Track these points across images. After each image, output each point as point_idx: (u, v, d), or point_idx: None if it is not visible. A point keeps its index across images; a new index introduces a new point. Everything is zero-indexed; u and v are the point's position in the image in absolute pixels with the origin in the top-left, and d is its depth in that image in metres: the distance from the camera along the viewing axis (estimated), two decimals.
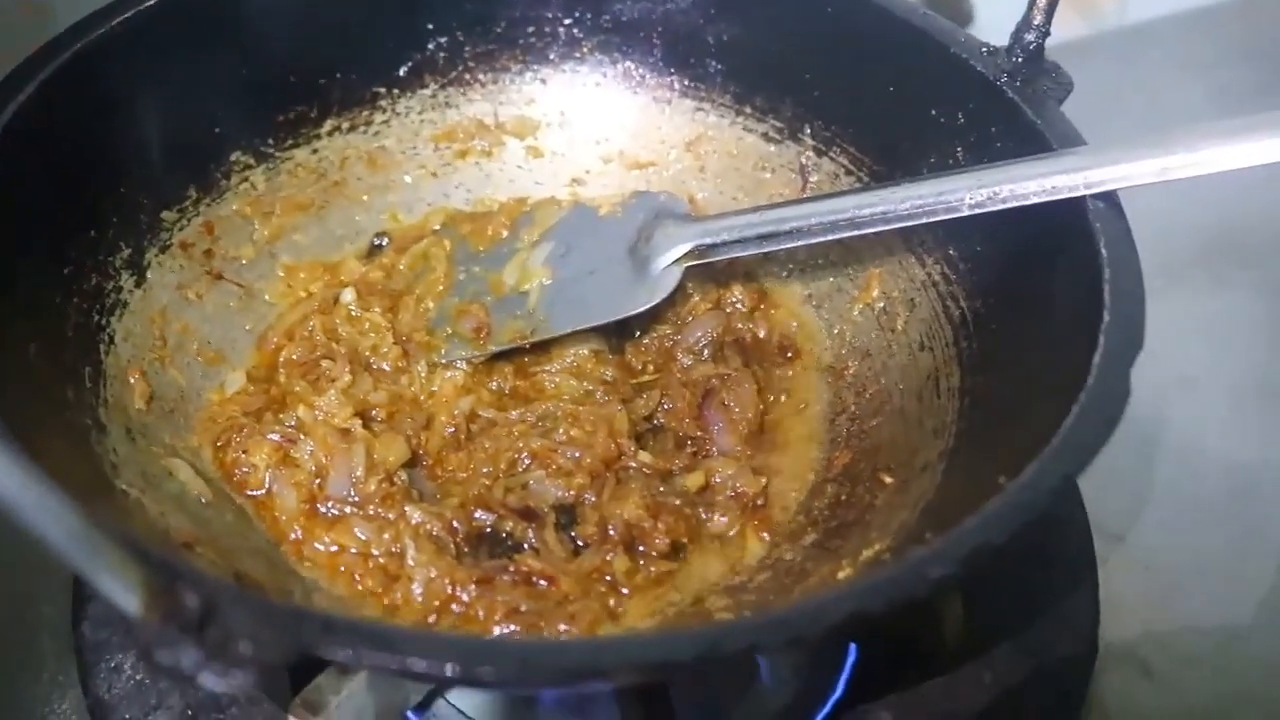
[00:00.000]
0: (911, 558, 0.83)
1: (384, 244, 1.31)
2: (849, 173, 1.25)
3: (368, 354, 1.19)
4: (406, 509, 1.05)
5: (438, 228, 1.32)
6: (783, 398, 1.19)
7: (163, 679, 1.06)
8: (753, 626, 0.80)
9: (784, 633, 0.75)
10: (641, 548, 1.05)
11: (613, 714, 1.05)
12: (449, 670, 0.73)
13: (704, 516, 1.08)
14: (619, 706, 1.04)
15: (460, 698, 1.11)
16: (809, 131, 1.28)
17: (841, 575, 0.96)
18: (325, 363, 1.16)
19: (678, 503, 1.07)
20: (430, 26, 1.31)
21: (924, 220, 1.06)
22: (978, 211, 1.03)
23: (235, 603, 0.73)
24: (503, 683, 0.80)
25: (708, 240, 1.18)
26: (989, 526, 0.80)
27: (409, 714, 1.09)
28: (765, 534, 1.08)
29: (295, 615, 0.75)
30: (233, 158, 1.25)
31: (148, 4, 1.14)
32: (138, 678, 1.07)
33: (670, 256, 1.19)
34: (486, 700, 1.12)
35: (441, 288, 1.26)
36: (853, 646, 1.14)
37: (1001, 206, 1.02)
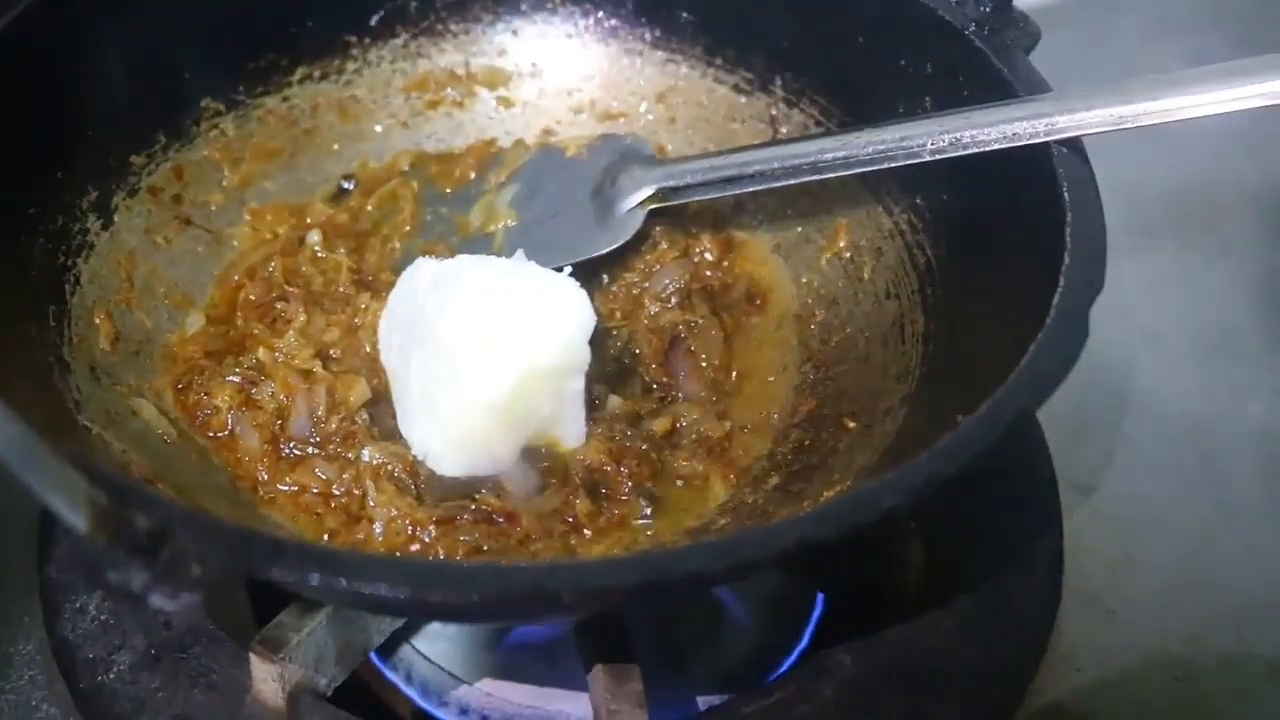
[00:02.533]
0: (863, 488, 0.84)
1: (351, 187, 1.31)
2: (818, 124, 1.25)
3: (320, 291, 1.19)
4: (365, 449, 1.05)
5: (406, 169, 1.32)
6: (749, 345, 1.19)
7: (126, 618, 1.06)
8: (701, 551, 0.80)
9: (732, 557, 0.75)
10: (605, 491, 1.05)
11: (574, 661, 1.05)
12: (398, 593, 0.73)
13: (669, 461, 1.08)
14: (580, 653, 1.04)
15: (426, 644, 1.11)
16: (779, 83, 1.28)
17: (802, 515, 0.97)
18: (280, 304, 1.16)
19: (643, 447, 1.07)
20: None
21: (886, 165, 1.07)
22: (939, 157, 1.04)
23: (186, 523, 0.73)
24: (451, 606, 0.80)
25: (671, 183, 1.18)
26: (941, 458, 0.81)
27: (374, 657, 1.09)
28: (730, 477, 1.08)
29: (245, 536, 0.75)
30: (203, 104, 1.25)
31: None
32: (102, 618, 1.07)
33: (634, 199, 1.19)
34: (452, 647, 1.12)
35: (408, 228, 1.27)
36: (820, 596, 1.15)
37: (963, 152, 1.03)
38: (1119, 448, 1.30)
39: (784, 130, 1.28)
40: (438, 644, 1.12)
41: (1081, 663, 1.12)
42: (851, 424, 1.07)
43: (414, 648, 1.12)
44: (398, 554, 0.99)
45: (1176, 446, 1.30)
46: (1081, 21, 1.87)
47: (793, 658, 1.12)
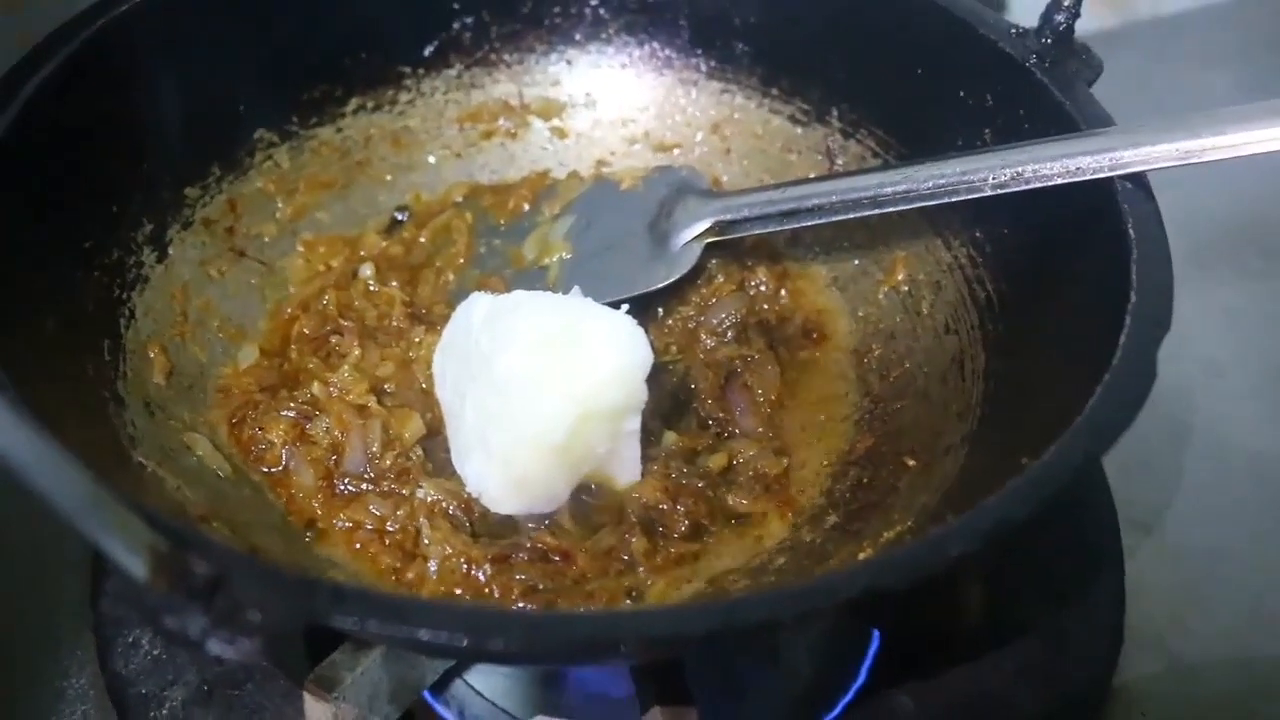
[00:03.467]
0: (931, 535, 0.82)
1: (404, 218, 1.31)
2: (876, 155, 1.24)
3: (374, 324, 1.18)
4: (420, 486, 1.04)
5: (459, 200, 1.32)
6: (806, 380, 1.18)
7: (179, 653, 1.06)
8: (766, 600, 0.79)
9: (798, 607, 0.74)
10: (661, 529, 1.04)
11: (632, 699, 1.04)
12: (457, 640, 0.72)
13: (726, 498, 1.07)
14: (637, 691, 1.03)
15: (480, 680, 1.10)
16: (836, 114, 1.27)
17: (862, 556, 0.96)
18: (334, 338, 1.16)
19: (700, 484, 1.06)
20: (456, 6, 1.31)
21: (946, 200, 1.06)
22: (1001, 192, 1.03)
23: (244, 570, 0.73)
24: (511, 654, 0.79)
25: (728, 216, 1.17)
26: (1009, 503, 0.79)
27: (426, 695, 1.09)
28: (788, 514, 1.07)
29: (305, 583, 0.74)
30: (257, 135, 1.25)
31: None
32: (155, 653, 1.08)
33: (691, 232, 1.19)
34: (506, 683, 1.11)
35: (462, 260, 1.26)
36: (875, 633, 1.14)
37: (1025, 187, 1.02)
38: (1181, 484, 1.28)
39: (841, 162, 1.27)
40: (492, 680, 1.10)
41: (1145, 707, 1.11)
42: (911, 462, 1.05)
43: (467, 684, 1.10)
44: (456, 592, 0.98)
45: (1240, 482, 1.28)
46: (1133, 48, 1.85)
47: (849, 696, 1.10)
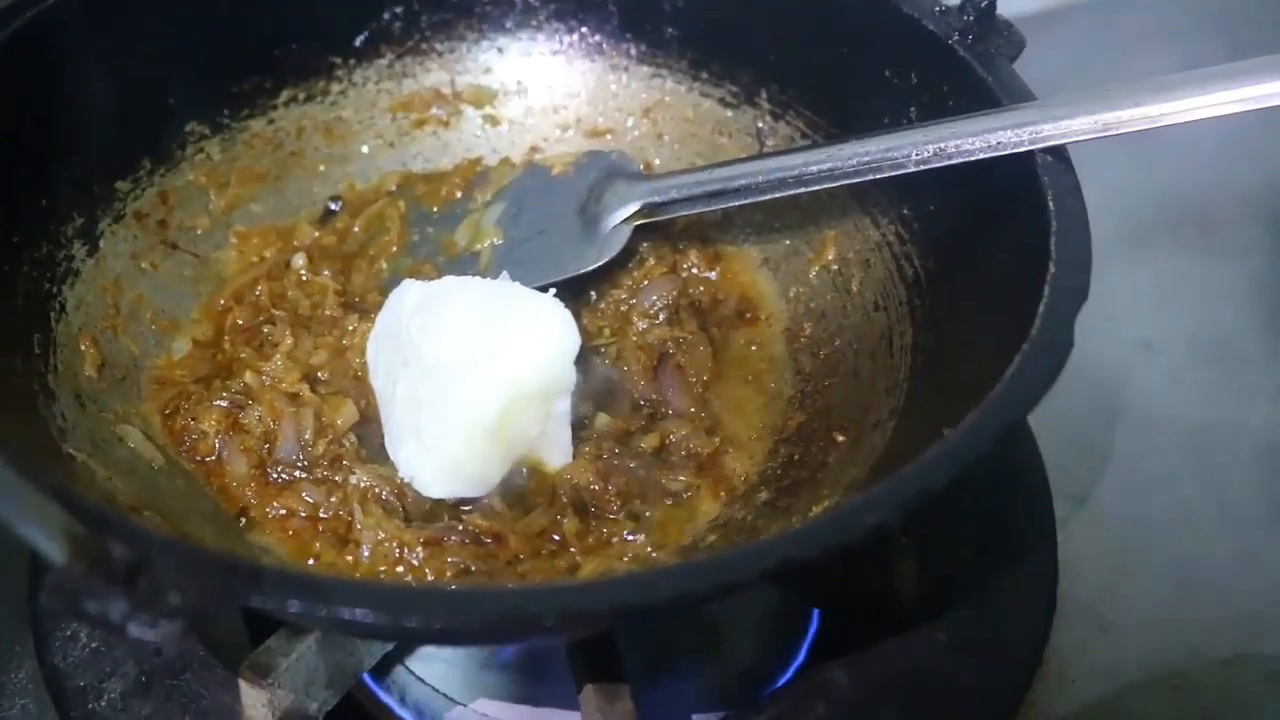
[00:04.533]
0: (848, 505, 0.83)
1: (338, 208, 1.31)
2: (804, 136, 1.25)
3: (307, 314, 1.18)
4: (353, 472, 1.04)
5: (393, 189, 1.32)
6: (738, 360, 1.19)
7: (117, 646, 1.06)
8: (682, 573, 0.79)
9: (714, 579, 0.75)
10: (594, 509, 1.04)
11: (568, 680, 1.05)
12: (378, 619, 0.73)
13: (658, 478, 1.07)
14: (571, 669, 1.03)
15: (420, 665, 1.11)
16: (765, 95, 1.27)
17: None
18: (267, 328, 1.16)
19: (632, 464, 1.06)
20: None
21: (871, 177, 1.06)
22: (924, 168, 1.03)
23: (164, 552, 0.73)
24: (433, 631, 0.80)
25: (657, 198, 1.18)
26: (926, 473, 0.80)
27: (367, 679, 1.09)
28: (720, 494, 1.07)
29: (225, 564, 0.75)
30: (188, 128, 1.24)
31: None
32: (93, 645, 1.07)
33: (619, 215, 1.19)
34: (446, 668, 1.12)
35: (395, 249, 1.26)
36: (815, 613, 1.14)
37: (948, 162, 1.02)
38: (1113, 457, 1.30)
39: (771, 143, 1.27)
40: (431, 665, 1.11)
41: (1077, 675, 1.12)
42: (840, 438, 1.06)
43: (408, 669, 1.11)
44: (382, 576, 0.99)
45: (1172, 455, 1.30)
46: (1077, 26, 1.86)
47: (788, 675, 1.11)
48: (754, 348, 1.20)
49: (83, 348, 1.09)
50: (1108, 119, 0.98)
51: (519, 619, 0.74)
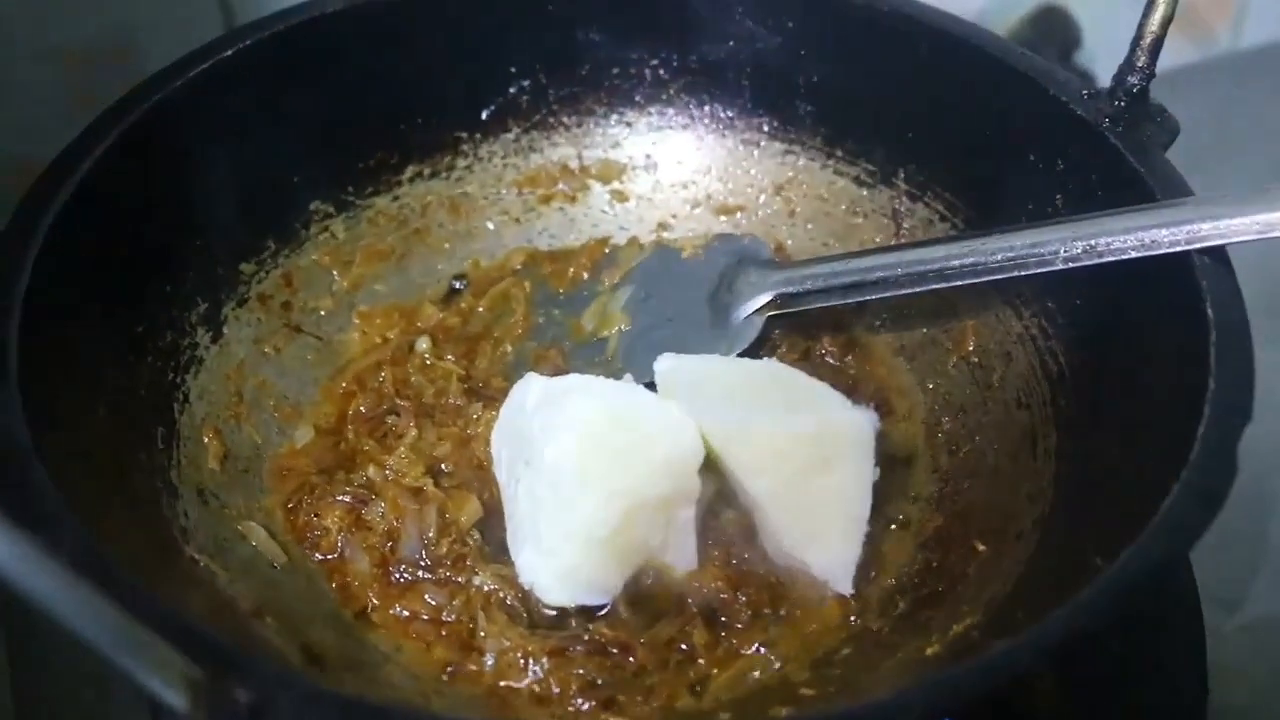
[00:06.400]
0: (999, 649, 0.79)
1: (462, 287, 1.29)
2: (943, 219, 1.21)
3: (430, 401, 1.16)
4: (476, 574, 1.02)
5: (518, 268, 1.30)
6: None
7: None
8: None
9: None
10: (724, 619, 1.01)
11: None
12: None
13: (789, 585, 1.03)
14: None
15: None
16: (902, 175, 1.24)
17: (929, 651, 0.92)
18: (390, 418, 1.14)
19: (761, 571, 1.03)
20: (513, 69, 1.29)
21: (1016, 274, 1.03)
22: (1072, 265, 0.99)
23: (285, 693, 0.71)
24: None
25: (791, 289, 1.15)
26: (1080, 614, 0.76)
27: None
28: (848, 602, 1.03)
29: (348, 706, 0.73)
30: (312, 207, 1.23)
31: (225, 55, 1.13)
32: None
33: (752, 305, 1.16)
34: None
35: (520, 331, 1.24)
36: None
37: (1097, 261, 0.98)
38: (1267, 556, 1.23)
39: (907, 225, 1.24)
40: None
41: None
42: (981, 546, 1.01)
43: None
44: (508, 687, 0.96)
45: None
46: (1213, 83, 1.81)
47: None
48: (889, 442, 1.15)
49: (206, 439, 1.07)
50: (1269, 219, 0.93)
51: None
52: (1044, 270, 1.01)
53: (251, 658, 0.75)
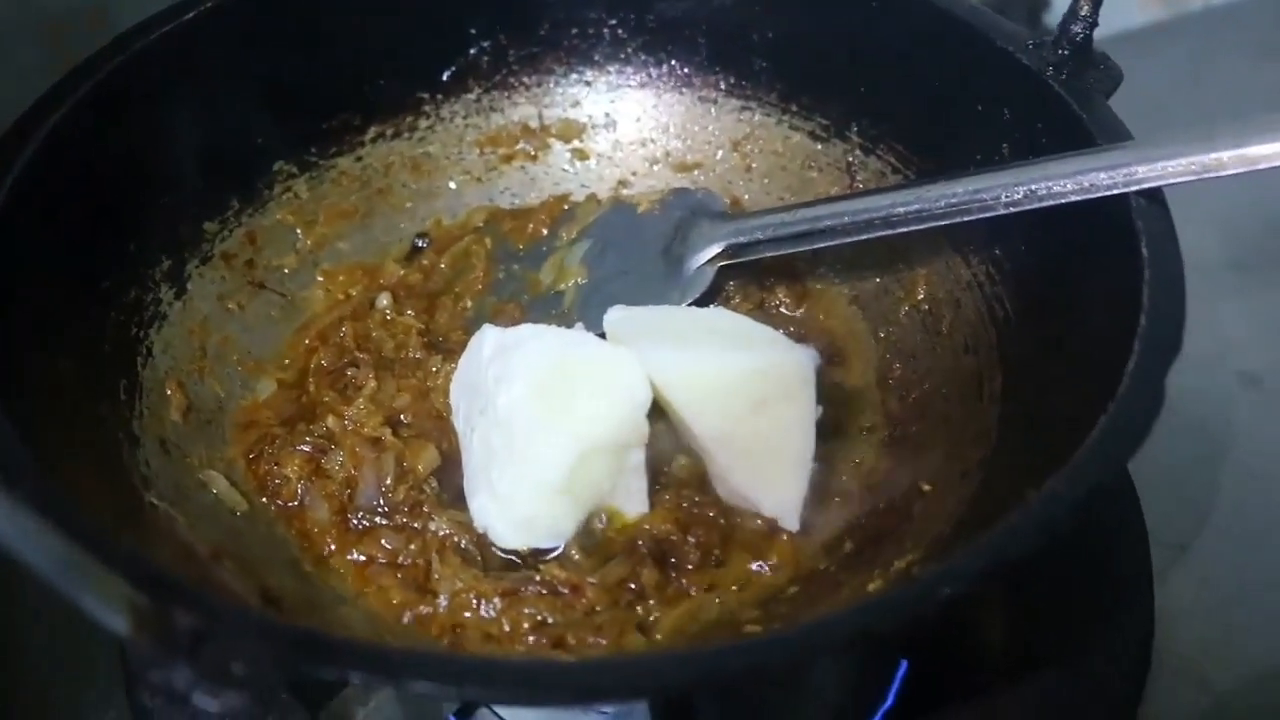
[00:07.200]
0: (924, 576, 0.81)
1: (424, 245, 1.31)
2: (896, 170, 1.22)
3: (391, 355, 1.18)
4: (431, 521, 1.04)
5: (480, 225, 1.32)
6: (827, 402, 1.16)
7: None
8: (748, 649, 0.78)
9: (782, 655, 0.74)
10: (673, 560, 1.03)
11: None
12: (442, 691, 0.73)
13: (738, 527, 1.05)
14: (652, 715, 1.02)
15: (506, 708, 1.10)
16: (855, 129, 1.25)
17: (871, 587, 0.94)
18: (350, 370, 1.16)
19: (711, 513, 1.05)
20: (473, 31, 1.31)
21: (960, 219, 1.04)
22: (1014, 210, 1.01)
23: (228, 622, 0.73)
24: (494, 700, 0.79)
25: (741, 239, 1.16)
26: (1003, 543, 0.78)
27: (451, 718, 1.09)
28: (799, 542, 1.05)
29: (288, 634, 0.75)
30: (275, 167, 1.25)
31: (187, 16, 1.15)
32: None
33: (704, 256, 1.18)
34: (531, 711, 1.11)
35: (480, 286, 1.26)
36: (903, 662, 1.12)
37: (1038, 205, 1.00)
38: (1217, 502, 1.24)
39: (861, 178, 1.25)
40: (518, 709, 1.10)
41: None
42: (927, 487, 1.03)
43: (493, 712, 1.10)
44: (461, 628, 0.98)
45: (1277, 499, 1.24)
46: (1184, 42, 1.81)
47: (876, 718, 1.09)
48: (843, 389, 1.17)
49: (169, 392, 1.09)
50: (1206, 161, 0.95)
51: (575, 692, 0.73)
52: (987, 215, 1.02)
53: (193, 586, 0.77)
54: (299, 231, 1.26)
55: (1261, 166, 0.94)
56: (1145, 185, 0.95)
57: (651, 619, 0.99)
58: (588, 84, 1.35)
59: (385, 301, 1.22)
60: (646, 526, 1.03)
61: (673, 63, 1.33)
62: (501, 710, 1.09)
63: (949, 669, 1.09)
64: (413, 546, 1.03)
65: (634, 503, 1.03)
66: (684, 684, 0.73)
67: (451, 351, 1.16)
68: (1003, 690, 1.06)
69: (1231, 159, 0.94)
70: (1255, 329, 1.38)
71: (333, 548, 1.05)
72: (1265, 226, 1.47)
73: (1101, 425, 0.82)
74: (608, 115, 1.36)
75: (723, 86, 1.32)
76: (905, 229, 1.07)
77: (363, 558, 1.04)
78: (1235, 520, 1.23)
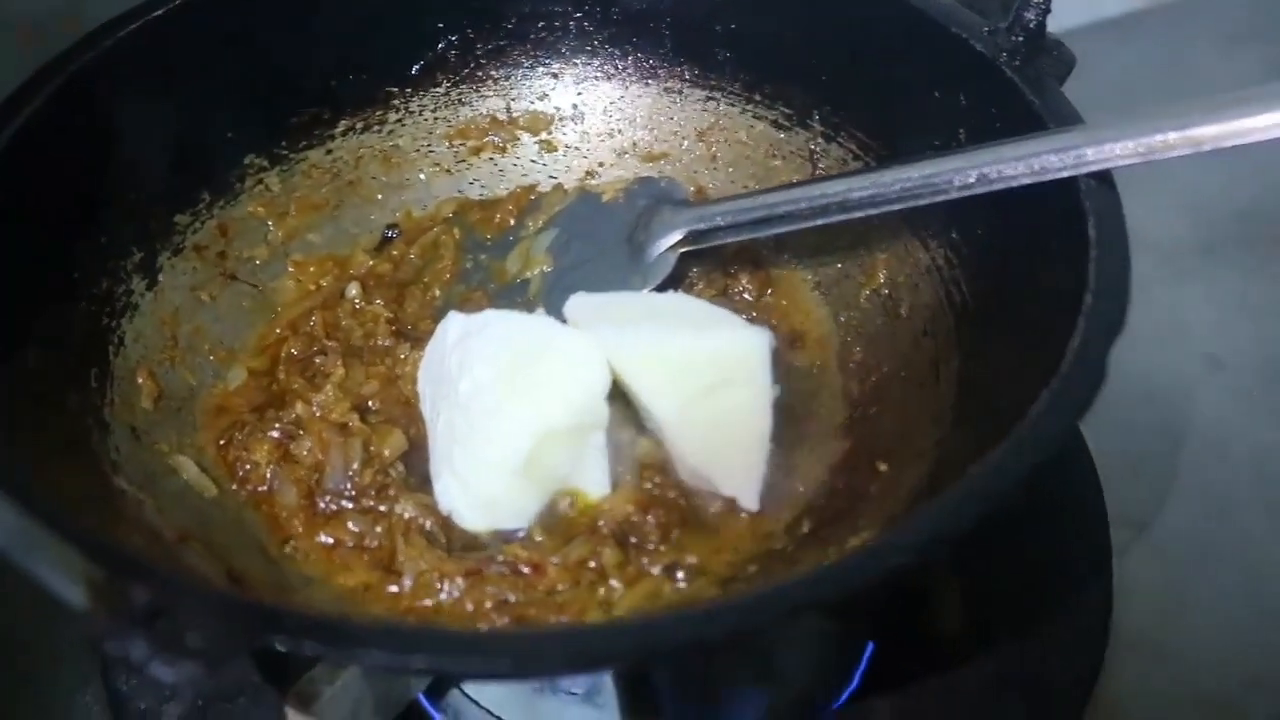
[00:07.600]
0: (868, 548, 0.83)
1: (394, 235, 1.32)
2: (857, 157, 1.24)
3: (360, 343, 1.20)
4: (397, 504, 1.05)
5: (449, 216, 1.33)
6: (787, 386, 1.17)
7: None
8: (691, 619, 0.79)
9: (724, 626, 0.75)
10: (634, 540, 1.04)
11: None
12: (391, 661, 0.74)
13: (699, 508, 1.07)
14: (619, 697, 1.04)
15: (474, 688, 1.12)
16: (817, 117, 1.27)
17: (825, 564, 0.95)
18: (319, 358, 1.17)
19: (673, 495, 1.06)
20: (440, 25, 1.32)
21: (914, 203, 1.06)
22: (967, 194, 1.02)
23: (183, 595, 0.75)
24: (443, 670, 0.81)
25: (701, 225, 1.18)
26: (945, 516, 0.79)
27: (422, 700, 1.10)
28: (760, 521, 1.06)
29: (243, 606, 0.76)
30: (246, 161, 1.26)
31: (157, 13, 1.17)
32: None
33: (665, 243, 1.19)
34: (502, 692, 1.12)
35: (448, 276, 1.28)
36: (870, 644, 1.13)
37: (990, 188, 1.01)
38: (1176, 481, 1.26)
39: (824, 165, 1.27)
40: (486, 689, 1.12)
41: (1132, 708, 1.10)
42: (883, 467, 1.05)
43: (462, 692, 1.12)
44: (426, 607, 1.00)
45: (1237, 480, 1.26)
46: (1159, 30, 1.83)
47: (841, 700, 1.10)
48: (804, 373, 1.18)
49: (140, 381, 1.11)
50: (1152, 143, 0.96)
51: (528, 662, 0.75)
52: (941, 198, 1.04)
53: (150, 562, 0.79)
54: (270, 223, 1.28)
55: (1206, 148, 0.95)
56: (1093, 167, 0.97)
57: (613, 599, 1.00)
58: (555, 76, 1.37)
59: (355, 291, 1.24)
60: (608, 507, 1.04)
61: (638, 55, 1.35)
62: (471, 690, 1.11)
63: (914, 649, 1.10)
64: (378, 529, 1.05)
65: (596, 484, 1.05)
66: (631, 653, 0.74)
67: (419, 339, 1.17)
68: (963, 667, 1.08)
69: (1178, 140, 0.95)
70: (1219, 312, 1.40)
71: (300, 531, 1.06)
72: (1232, 211, 1.49)
73: (1042, 400, 0.84)
74: (575, 107, 1.37)
75: (688, 77, 1.34)
76: (861, 213, 1.09)
77: (330, 540, 1.05)
78: (1195, 500, 1.25)
